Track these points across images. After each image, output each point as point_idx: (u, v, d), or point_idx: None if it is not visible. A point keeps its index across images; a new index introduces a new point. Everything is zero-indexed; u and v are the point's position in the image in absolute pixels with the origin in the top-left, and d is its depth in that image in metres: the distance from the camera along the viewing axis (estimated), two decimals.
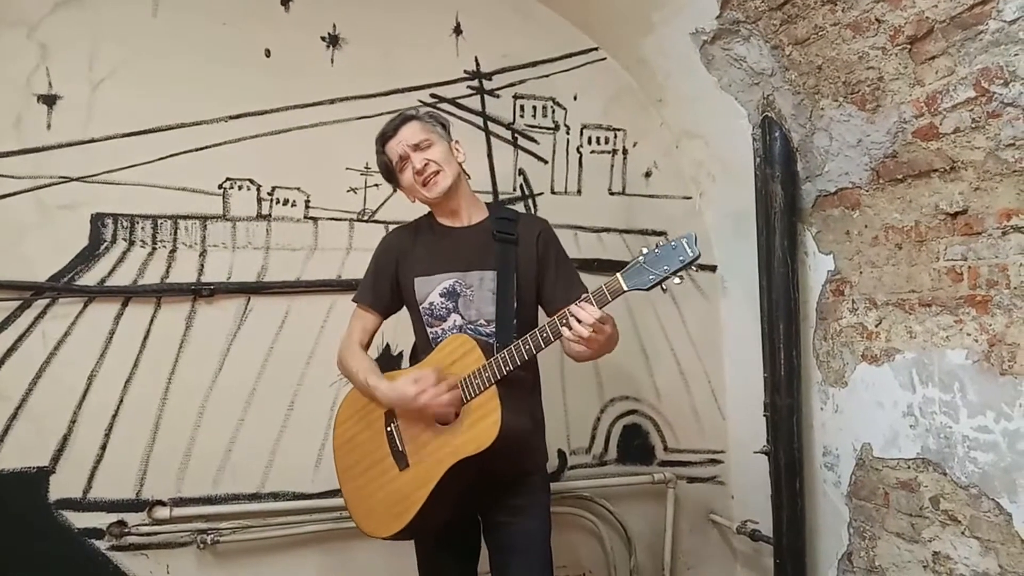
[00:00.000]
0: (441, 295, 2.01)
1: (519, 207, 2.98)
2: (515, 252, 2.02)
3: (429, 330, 2.03)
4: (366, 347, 2.11)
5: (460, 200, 2.07)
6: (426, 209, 2.16)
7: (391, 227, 2.77)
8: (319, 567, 2.68)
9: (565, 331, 1.74)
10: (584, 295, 1.76)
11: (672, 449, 3.16)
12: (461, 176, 2.08)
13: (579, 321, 1.72)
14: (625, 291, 1.73)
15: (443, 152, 2.03)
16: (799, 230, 2.70)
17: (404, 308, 2.15)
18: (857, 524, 2.55)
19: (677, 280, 1.72)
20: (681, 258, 1.69)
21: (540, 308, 2.10)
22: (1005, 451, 2.04)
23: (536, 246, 2.05)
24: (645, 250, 1.73)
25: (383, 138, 2.07)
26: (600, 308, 1.74)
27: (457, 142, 2.11)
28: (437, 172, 2.00)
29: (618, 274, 1.74)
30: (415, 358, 2.15)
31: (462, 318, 2.00)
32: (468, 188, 2.13)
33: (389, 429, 2.00)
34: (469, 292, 2.00)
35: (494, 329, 1.97)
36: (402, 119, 2.06)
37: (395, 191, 2.78)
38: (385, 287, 2.10)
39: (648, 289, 1.73)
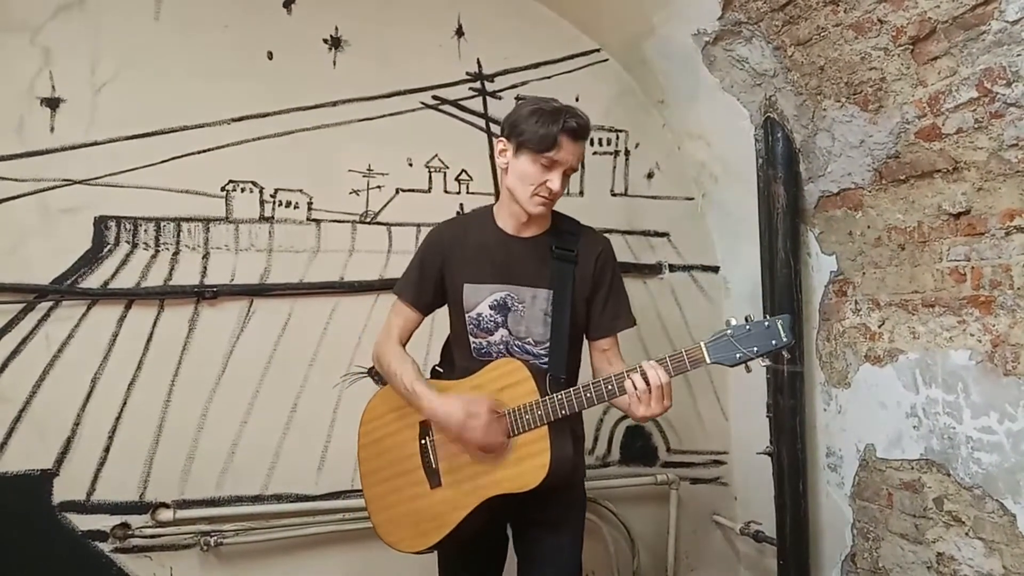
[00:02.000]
0: (491, 307, 1.92)
1: None
2: (573, 272, 1.91)
3: (472, 339, 1.94)
4: (404, 344, 2.01)
5: (540, 218, 1.95)
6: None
7: (393, 229, 2.81)
8: (322, 569, 2.67)
9: (629, 386, 1.69)
10: (662, 358, 1.70)
11: (675, 450, 3.16)
12: None
13: (647, 382, 1.67)
14: (708, 364, 1.68)
15: (566, 187, 1.91)
16: (802, 231, 2.69)
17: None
18: (861, 525, 2.55)
19: (763, 363, 1.67)
20: (774, 341, 1.64)
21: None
22: (1009, 452, 2.03)
23: (595, 265, 1.95)
24: (733, 321, 1.68)
25: (569, 128, 1.81)
26: (675, 374, 1.70)
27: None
28: (555, 201, 1.89)
29: (702, 343, 1.68)
30: (447, 359, 2.07)
31: (510, 333, 1.92)
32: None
33: (423, 442, 1.92)
34: (520, 307, 1.90)
35: (544, 351, 1.91)
36: (588, 131, 1.88)
37: (396, 194, 2.82)
38: (429, 285, 1.98)
39: (732, 366, 1.67)
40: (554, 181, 1.82)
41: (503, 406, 1.81)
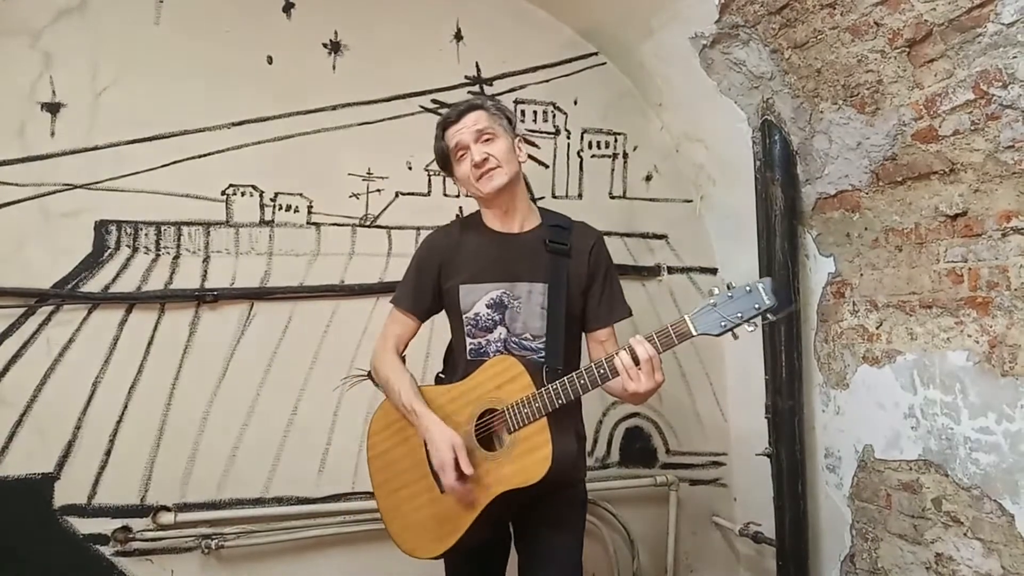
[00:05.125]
0: (488, 306, 1.93)
1: None
2: (567, 264, 1.94)
3: (470, 340, 1.94)
4: (401, 353, 2.04)
5: (515, 202, 1.98)
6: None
7: (393, 232, 2.82)
8: (324, 571, 2.68)
9: (618, 364, 1.69)
10: (648, 334, 1.70)
11: (674, 451, 3.17)
12: (520, 176, 1.99)
13: (635, 359, 1.68)
14: (694, 335, 1.66)
15: (505, 148, 1.94)
16: (799, 232, 2.70)
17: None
18: (859, 526, 2.56)
19: (750, 328, 1.63)
20: (756, 305, 1.61)
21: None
22: (1007, 452, 2.04)
23: (588, 258, 1.97)
24: (716, 291, 1.66)
25: (444, 123, 1.99)
26: (664, 350, 1.69)
27: (520, 139, 2.03)
28: (496, 167, 1.90)
29: (686, 316, 1.67)
30: (450, 364, 2.07)
31: (508, 331, 1.92)
32: (525, 191, 2.05)
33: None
34: (516, 304, 1.91)
35: (542, 344, 1.90)
36: (468, 106, 1.97)
37: (396, 197, 2.84)
38: (427, 292, 2.01)
39: (718, 335, 1.65)
40: (474, 153, 1.91)
41: (501, 402, 1.82)
